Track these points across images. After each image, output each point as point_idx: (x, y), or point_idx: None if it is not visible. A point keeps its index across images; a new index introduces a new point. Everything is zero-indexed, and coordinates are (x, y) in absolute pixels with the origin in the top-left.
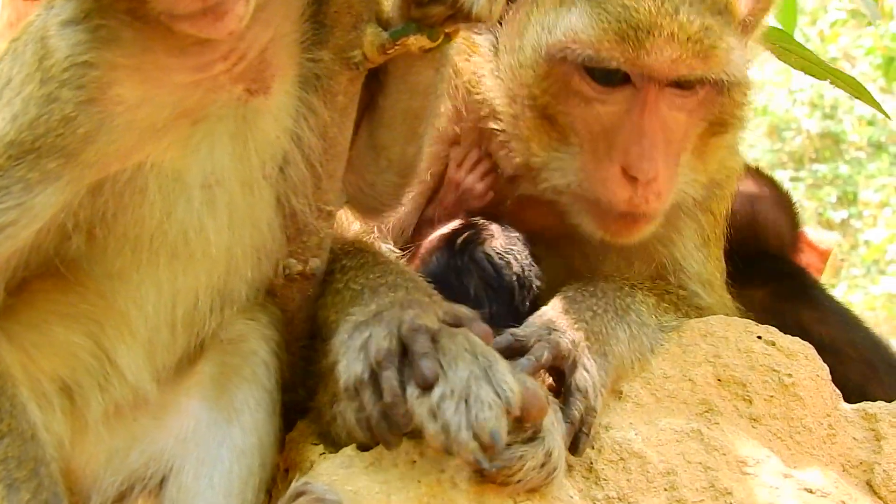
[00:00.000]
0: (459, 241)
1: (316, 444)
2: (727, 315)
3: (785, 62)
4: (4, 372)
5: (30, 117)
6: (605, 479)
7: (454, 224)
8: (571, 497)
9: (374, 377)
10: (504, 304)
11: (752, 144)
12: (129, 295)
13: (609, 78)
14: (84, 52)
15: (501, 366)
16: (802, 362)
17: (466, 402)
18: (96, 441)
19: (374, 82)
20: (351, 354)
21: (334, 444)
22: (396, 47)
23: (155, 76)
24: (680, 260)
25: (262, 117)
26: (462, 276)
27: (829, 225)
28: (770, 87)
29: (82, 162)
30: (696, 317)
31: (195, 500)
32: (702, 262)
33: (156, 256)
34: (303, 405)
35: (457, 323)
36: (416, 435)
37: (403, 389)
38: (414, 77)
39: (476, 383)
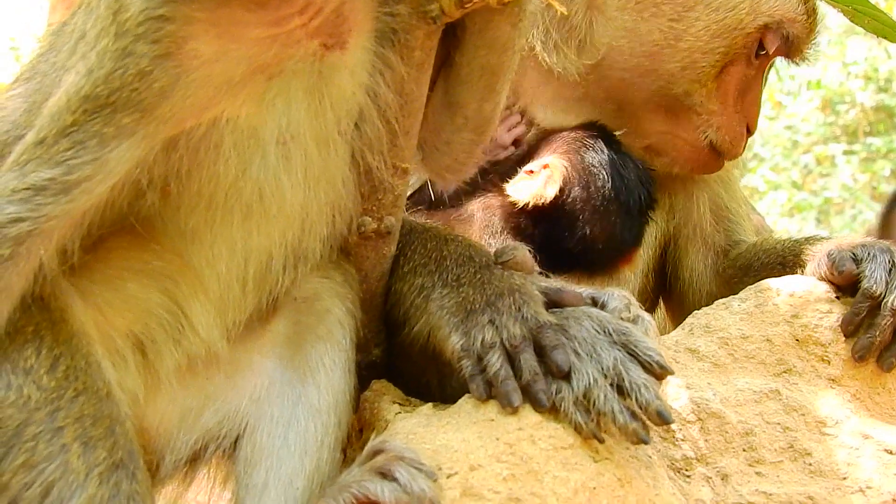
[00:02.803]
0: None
1: (392, 404)
2: None
3: (857, 24)
4: (79, 330)
5: (105, 71)
6: (683, 440)
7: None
8: (650, 457)
9: (505, 349)
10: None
11: (806, 118)
12: (202, 253)
13: (770, 46)
14: (159, 5)
15: (637, 334)
16: None
17: (619, 388)
18: (170, 399)
19: (451, 38)
20: (473, 329)
21: (421, 396)
22: (474, 1)
23: (231, 30)
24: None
25: (338, 73)
26: (626, 167)
27: (882, 198)
28: (824, 59)
29: (157, 117)
30: None
31: (270, 459)
32: None
33: (230, 214)
34: (377, 364)
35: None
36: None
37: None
38: (492, 32)
39: (623, 367)
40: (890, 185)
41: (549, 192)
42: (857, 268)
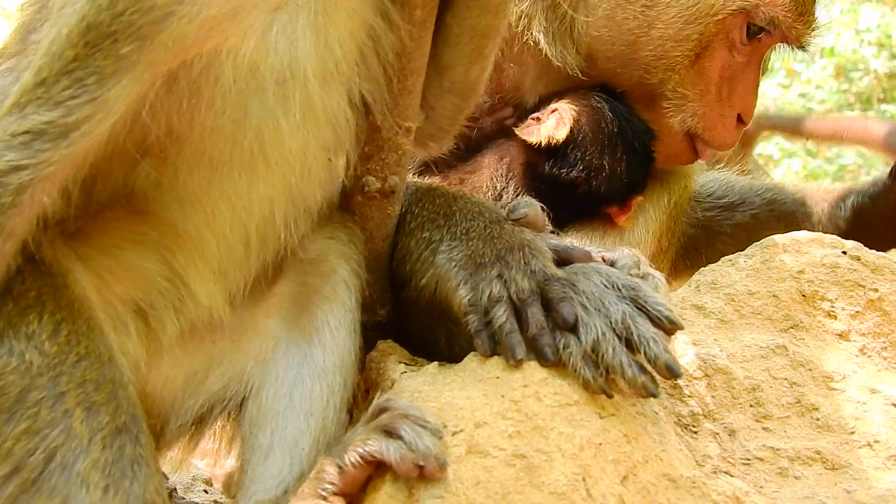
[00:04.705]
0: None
1: (398, 364)
2: None
3: None
4: (80, 295)
5: None
6: (689, 396)
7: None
8: (657, 413)
9: (512, 303)
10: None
11: (819, 85)
12: (204, 218)
13: (756, 34)
14: None
15: (646, 289)
16: (889, 277)
17: (628, 341)
18: (173, 364)
19: None
20: (481, 283)
21: (428, 356)
22: None
23: None
24: None
25: (341, 11)
26: (630, 114)
27: None
28: (837, 27)
29: (158, 44)
30: None
31: (275, 420)
32: None
33: (230, 168)
34: (383, 325)
35: (560, 250)
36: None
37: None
38: None
39: (632, 321)
40: None
41: (561, 133)
42: None
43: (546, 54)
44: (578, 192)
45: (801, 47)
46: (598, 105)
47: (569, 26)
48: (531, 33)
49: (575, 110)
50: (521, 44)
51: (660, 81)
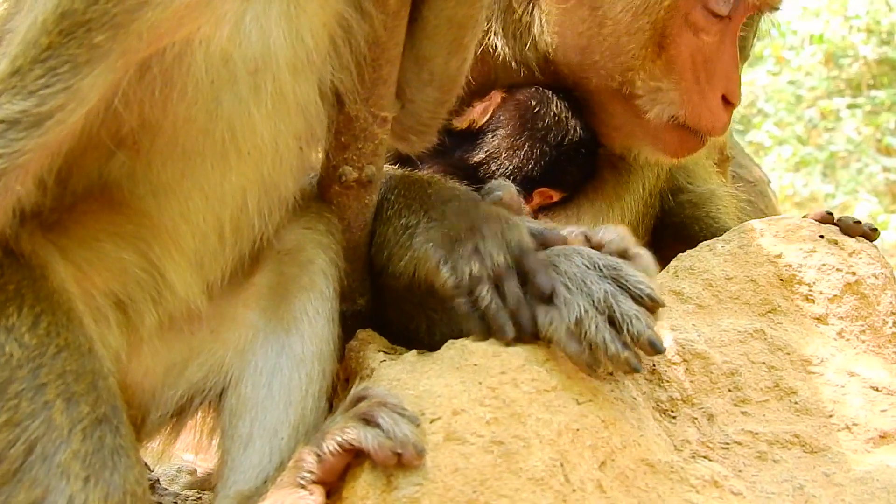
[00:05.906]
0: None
1: (377, 352)
2: None
3: None
4: (59, 287)
5: None
6: (668, 381)
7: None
8: (635, 398)
9: (492, 279)
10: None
11: (809, 72)
12: (178, 208)
13: (721, 9)
14: None
15: (627, 268)
16: (866, 261)
17: (611, 319)
18: (153, 355)
19: None
20: (459, 261)
21: (408, 345)
22: None
23: None
24: None
25: (313, 2)
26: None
27: (887, 151)
28: (826, 14)
29: (132, 33)
30: None
31: (254, 409)
32: None
33: (202, 159)
34: (362, 314)
35: (535, 233)
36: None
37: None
38: None
39: (614, 299)
40: (895, 138)
41: (483, 118)
42: None
43: (505, 58)
44: (481, 175)
45: (775, 8)
46: (532, 96)
47: (525, 29)
48: (490, 37)
49: (504, 97)
50: (483, 48)
51: (621, 84)
